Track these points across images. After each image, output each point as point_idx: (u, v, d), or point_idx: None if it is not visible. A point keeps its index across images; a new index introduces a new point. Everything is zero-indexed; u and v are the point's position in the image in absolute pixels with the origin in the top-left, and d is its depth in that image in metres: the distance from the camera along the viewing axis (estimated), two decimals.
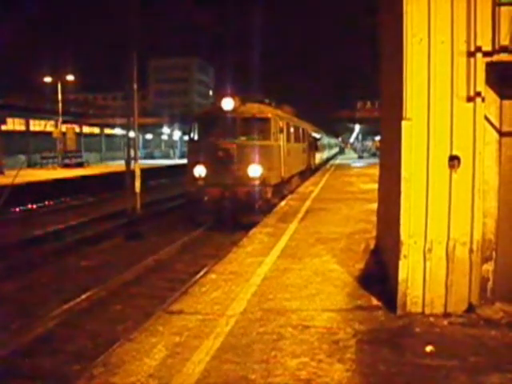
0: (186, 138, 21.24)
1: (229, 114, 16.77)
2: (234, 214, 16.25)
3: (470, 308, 5.83)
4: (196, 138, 17.95)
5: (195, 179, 16.63)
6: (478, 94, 5.60)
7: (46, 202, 25.12)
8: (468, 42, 5.60)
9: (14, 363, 6.96)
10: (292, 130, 22.02)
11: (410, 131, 5.74)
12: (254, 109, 17.41)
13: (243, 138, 16.84)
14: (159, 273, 11.67)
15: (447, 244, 5.77)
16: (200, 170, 16.59)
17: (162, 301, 9.06)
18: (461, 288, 5.83)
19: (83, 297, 9.47)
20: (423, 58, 5.66)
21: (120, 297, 9.91)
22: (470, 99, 5.63)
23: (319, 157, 39.01)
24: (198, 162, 16.70)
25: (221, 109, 16.83)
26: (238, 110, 16.89)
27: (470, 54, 5.60)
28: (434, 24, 5.59)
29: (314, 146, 33.13)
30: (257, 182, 16.31)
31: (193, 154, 17.64)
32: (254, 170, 16.32)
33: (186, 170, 17.74)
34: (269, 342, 5.27)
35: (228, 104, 16.75)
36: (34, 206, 24.05)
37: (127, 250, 14.31)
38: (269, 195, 16.76)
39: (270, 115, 17.53)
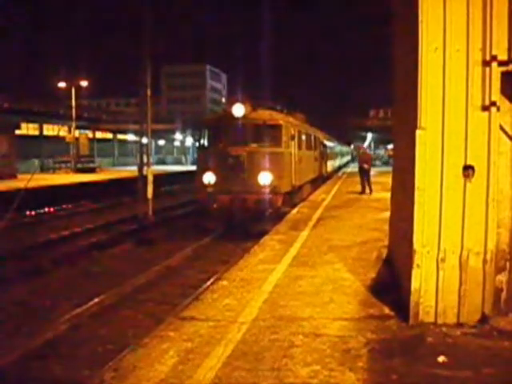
0: (196, 144, 21.06)
1: (239, 121, 16.52)
2: (244, 223, 16.07)
3: (484, 318, 5.77)
4: (206, 144, 17.74)
5: (204, 186, 16.44)
6: (493, 103, 5.56)
7: (58, 207, 25.23)
8: (483, 51, 5.57)
9: (24, 367, 6.98)
10: (303, 137, 21.81)
11: (425, 140, 5.71)
12: (264, 115, 17.15)
13: (254, 145, 16.59)
14: (170, 279, 11.68)
15: (461, 254, 5.73)
16: (209, 177, 16.39)
17: (173, 307, 9.08)
18: (474, 298, 5.78)
19: (94, 302, 9.48)
20: (438, 67, 5.64)
21: (131, 302, 9.92)
22: (485, 108, 5.60)
23: (331, 165, 38.85)
24: (207, 169, 16.51)
25: (231, 115, 16.57)
26: (248, 116, 16.62)
27: (486, 63, 5.57)
28: (450, 32, 5.57)
29: (325, 154, 32.96)
30: (267, 190, 16.04)
31: (202, 161, 17.43)
32: (265, 178, 16.06)
33: (195, 176, 17.56)
34: (280, 349, 5.25)
35: (238, 110, 16.49)
36: (46, 211, 24.18)
37: (138, 255, 14.35)
38: (279, 203, 16.54)
39: (281, 122, 17.27)
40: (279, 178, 16.43)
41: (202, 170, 16.88)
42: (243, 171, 16.10)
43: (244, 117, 16.54)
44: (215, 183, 16.38)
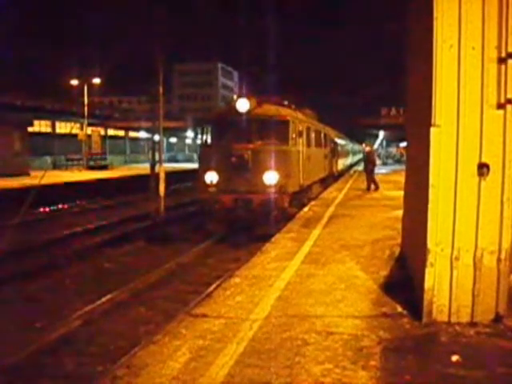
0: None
1: (244, 116, 15.46)
2: (248, 224, 15.30)
3: (497, 318, 5.73)
4: (208, 141, 16.84)
5: (206, 186, 15.58)
6: (509, 101, 5.50)
7: (70, 204, 25.34)
8: (499, 49, 5.51)
9: (37, 362, 7.03)
10: (313, 134, 20.94)
11: (439, 138, 5.67)
12: (271, 111, 16.16)
13: (259, 142, 15.58)
14: (182, 276, 11.70)
15: (475, 252, 5.68)
16: (212, 176, 15.51)
17: (185, 304, 9.09)
18: (488, 297, 5.73)
19: (106, 299, 9.52)
20: (453, 64, 5.59)
21: (143, 299, 9.94)
22: (500, 106, 5.54)
23: (342, 163, 38.48)
24: (209, 168, 15.64)
25: (235, 110, 15.55)
26: (253, 111, 15.57)
27: (501, 61, 5.52)
28: (465, 30, 5.52)
29: (336, 152, 32.48)
30: (273, 190, 15.09)
31: (204, 159, 16.45)
32: (270, 177, 15.14)
33: (197, 175, 16.64)
34: (292, 347, 5.24)
35: (243, 105, 15.51)
36: (59, 208, 24.29)
37: (150, 252, 14.37)
38: (286, 204, 15.65)
39: (288, 117, 16.33)
40: (286, 178, 15.49)
41: (204, 168, 16.03)
42: (247, 170, 15.16)
43: (249, 112, 15.56)
44: (218, 183, 15.52)
